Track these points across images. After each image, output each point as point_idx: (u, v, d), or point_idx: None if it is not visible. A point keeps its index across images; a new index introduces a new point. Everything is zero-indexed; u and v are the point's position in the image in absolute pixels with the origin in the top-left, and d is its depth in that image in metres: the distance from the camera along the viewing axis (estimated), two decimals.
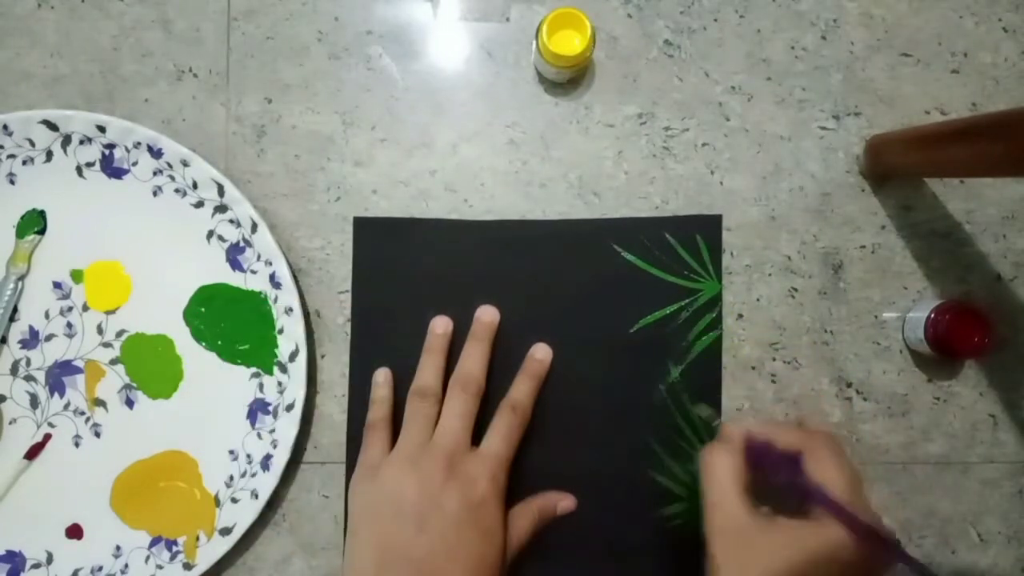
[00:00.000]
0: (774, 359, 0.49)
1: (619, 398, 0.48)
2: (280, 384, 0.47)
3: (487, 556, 0.41)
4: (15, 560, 0.46)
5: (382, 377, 0.48)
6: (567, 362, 0.48)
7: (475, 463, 0.42)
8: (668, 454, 0.48)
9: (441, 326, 0.48)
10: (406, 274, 0.48)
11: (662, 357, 0.48)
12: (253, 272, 0.47)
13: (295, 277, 0.47)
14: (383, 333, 0.48)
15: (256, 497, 0.46)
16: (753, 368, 0.49)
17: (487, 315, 0.48)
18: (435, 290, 0.48)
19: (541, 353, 0.48)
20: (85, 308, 0.47)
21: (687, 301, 0.48)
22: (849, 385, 0.49)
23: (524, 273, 0.48)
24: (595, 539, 0.48)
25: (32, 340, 0.47)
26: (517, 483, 0.46)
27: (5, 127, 0.45)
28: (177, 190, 0.47)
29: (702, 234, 0.49)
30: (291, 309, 0.46)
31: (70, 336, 0.47)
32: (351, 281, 0.49)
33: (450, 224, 0.49)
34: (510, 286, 0.48)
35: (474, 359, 0.46)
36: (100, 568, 0.46)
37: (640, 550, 0.48)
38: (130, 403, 0.47)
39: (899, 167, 0.48)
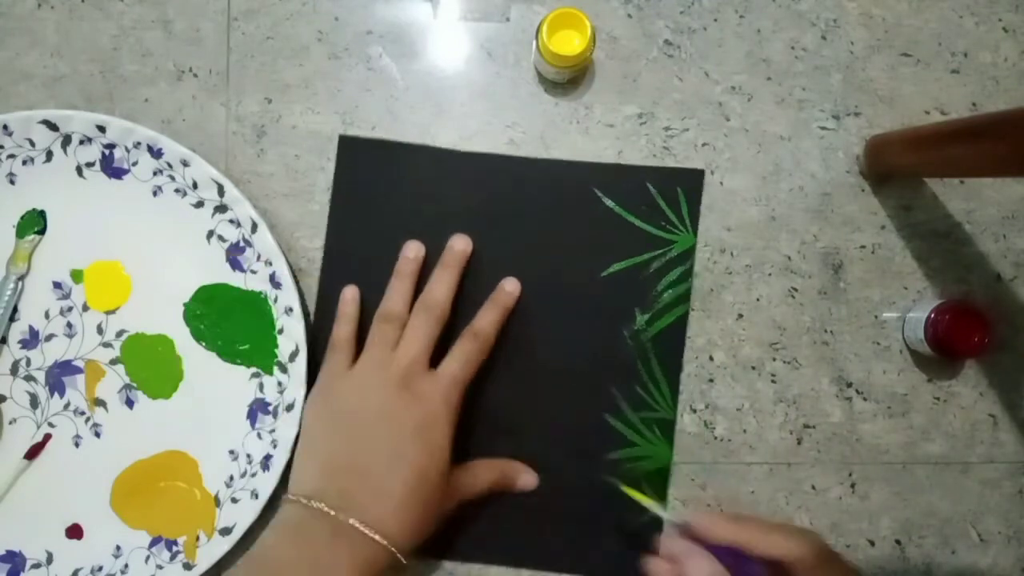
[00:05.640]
0: (774, 359, 0.49)
1: (583, 339, 0.48)
2: (280, 384, 0.47)
3: (428, 472, 0.41)
4: (15, 560, 0.46)
5: (350, 294, 0.47)
6: (536, 299, 0.48)
7: (429, 382, 0.43)
8: (625, 399, 0.48)
9: (412, 250, 0.47)
10: (385, 197, 0.48)
11: (629, 304, 0.48)
12: (253, 272, 0.47)
13: (295, 277, 0.47)
14: (356, 256, 0.48)
15: (256, 497, 0.46)
16: (753, 368, 0.49)
17: (459, 243, 0.47)
18: (412, 216, 0.48)
19: (511, 286, 0.48)
20: (85, 308, 0.47)
21: (660, 251, 0.49)
22: (849, 385, 0.49)
23: (503, 207, 0.48)
24: (542, 475, 0.47)
25: (32, 340, 0.47)
26: (474, 414, 0.47)
27: (5, 127, 0.45)
28: (177, 190, 0.47)
29: (683, 187, 0.49)
30: (291, 309, 0.46)
31: (70, 336, 0.47)
32: (329, 200, 0.48)
33: (435, 152, 0.49)
34: (487, 219, 0.48)
35: (441, 285, 0.46)
36: (100, 568, 0.46)
37: (584, 490, 0.48)
38: (130, 403, 0.47)
39: (899, 167, 0.48)
